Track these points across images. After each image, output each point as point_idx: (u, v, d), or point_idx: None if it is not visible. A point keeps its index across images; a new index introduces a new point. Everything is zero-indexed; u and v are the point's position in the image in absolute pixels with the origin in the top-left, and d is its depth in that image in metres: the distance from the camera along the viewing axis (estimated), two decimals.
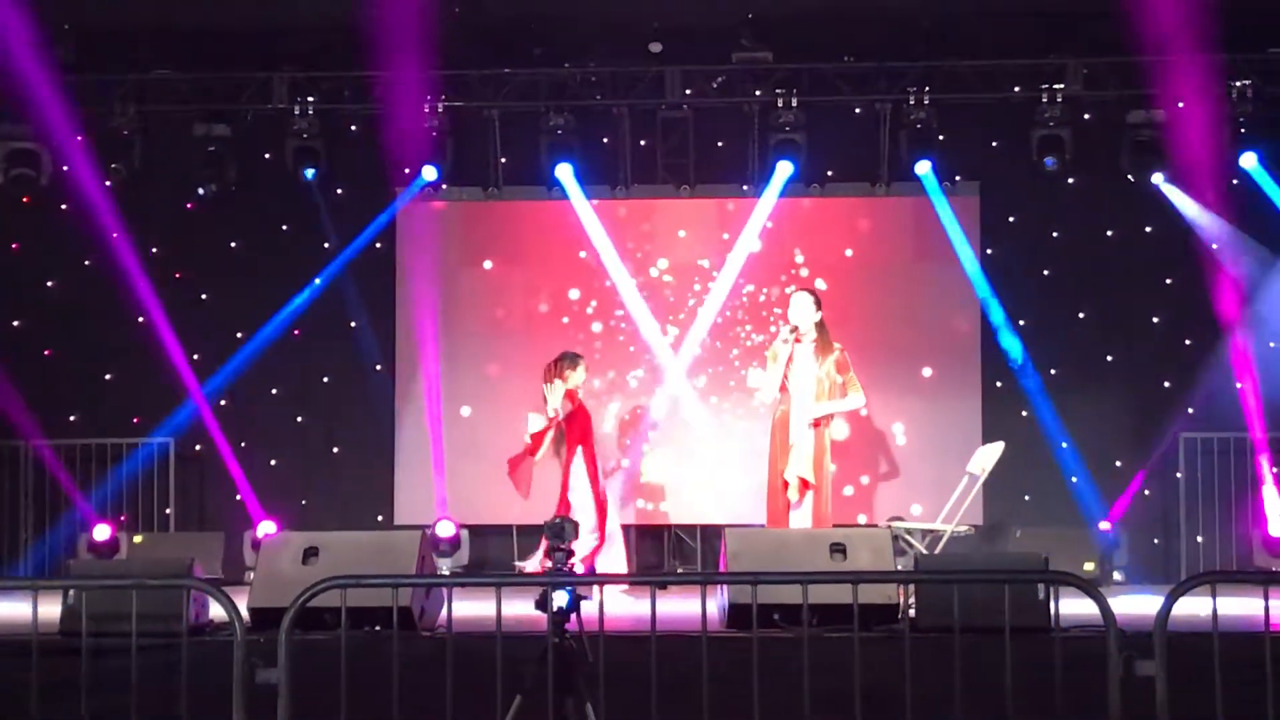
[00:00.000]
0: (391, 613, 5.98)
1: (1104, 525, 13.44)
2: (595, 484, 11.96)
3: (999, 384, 14.13)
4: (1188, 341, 14.17)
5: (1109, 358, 14.19)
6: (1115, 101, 13.66)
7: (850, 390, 11.48)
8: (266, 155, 14.34)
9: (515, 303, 14.46)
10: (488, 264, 14.48)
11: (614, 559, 11.95)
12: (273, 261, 14.47)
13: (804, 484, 11.30)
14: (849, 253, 14.35)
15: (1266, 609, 5.82)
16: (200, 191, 14.09)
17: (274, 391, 14.51)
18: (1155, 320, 14.23)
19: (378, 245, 14.55)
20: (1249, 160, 13.46)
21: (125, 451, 14.20)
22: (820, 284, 13.52)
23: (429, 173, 13.96)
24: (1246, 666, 5.77)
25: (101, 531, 13.57)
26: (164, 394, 14.26)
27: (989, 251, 14.23)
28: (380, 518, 14.26)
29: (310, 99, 13.82)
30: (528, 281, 14.48)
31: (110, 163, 13.80)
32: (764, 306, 14.19)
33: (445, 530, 13.62)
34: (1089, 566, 12.84)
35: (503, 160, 14.27)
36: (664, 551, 14.21)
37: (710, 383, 14.29)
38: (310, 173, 13.98)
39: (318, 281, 14.51)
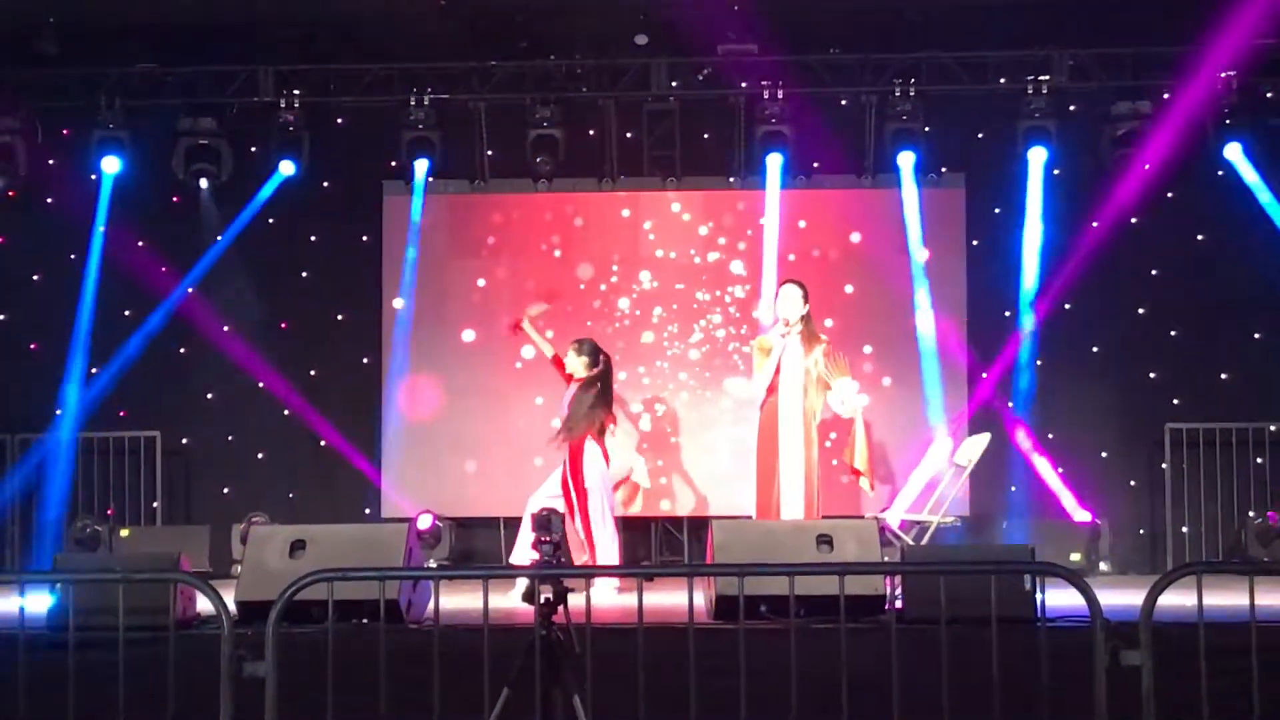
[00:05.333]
0: (379, 605, 5.99)
1: (1088, 516, 13.49)
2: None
3: (984, 375, 14.14)
4: (1173, 332, 14.20)
5: (1094, 349, 14.21)
6: (1100, 93, 13.68)
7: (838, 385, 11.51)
8: (253, 149, 14.32)
9: (502, 296, 14.44)
10: (475, 257, 14.47)
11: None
12: (259, 255, 14.46)
13: (856, 473, 11.62)
14: (834, 245, 14.35)
15: (1252, 599, 5.84)
16: (204, 183, 14.05)
17: (260, 385, 14.48)
18: (1140, 311, 14.25)
19: (364, 238, 14.56)
20: (1233, 151, 13.48)
21: (111, 445, 14.20)
22: (805, 276, 13.51)
23: (416, 165, 13.95)
24: (1232, 656, 5.80)
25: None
26: (150, 387, 14.26)
27: (974, 243, 14.26)
28: (367, 511, 14.25)
29: (296, 92, 13.80)
30: (515, 274, 14.45)
31: (96, 157, 13.79)
32: (749, 298, 14.19)
33: (424, 523, 13.61)
34: (1075, 557, 12.87)
35: (489, 152, 14.26)
36: (651, 544, 14.20)
37: (697, 374, 14.30)
38: (292, 166, 13.95)
39: (304, 274, 14.54)
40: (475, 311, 14.39)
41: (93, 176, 14.03)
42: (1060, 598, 6.57)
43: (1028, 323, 13.97)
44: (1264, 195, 13.57)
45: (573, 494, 11.36)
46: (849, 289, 14.19)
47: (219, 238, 14.48)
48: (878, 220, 14.36)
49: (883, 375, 14.08)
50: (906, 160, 13.75)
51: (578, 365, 11.63)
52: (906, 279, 14.16)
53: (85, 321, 14.16)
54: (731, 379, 13.73)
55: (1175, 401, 14.08)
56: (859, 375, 12.17)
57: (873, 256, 14.31)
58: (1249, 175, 13.55)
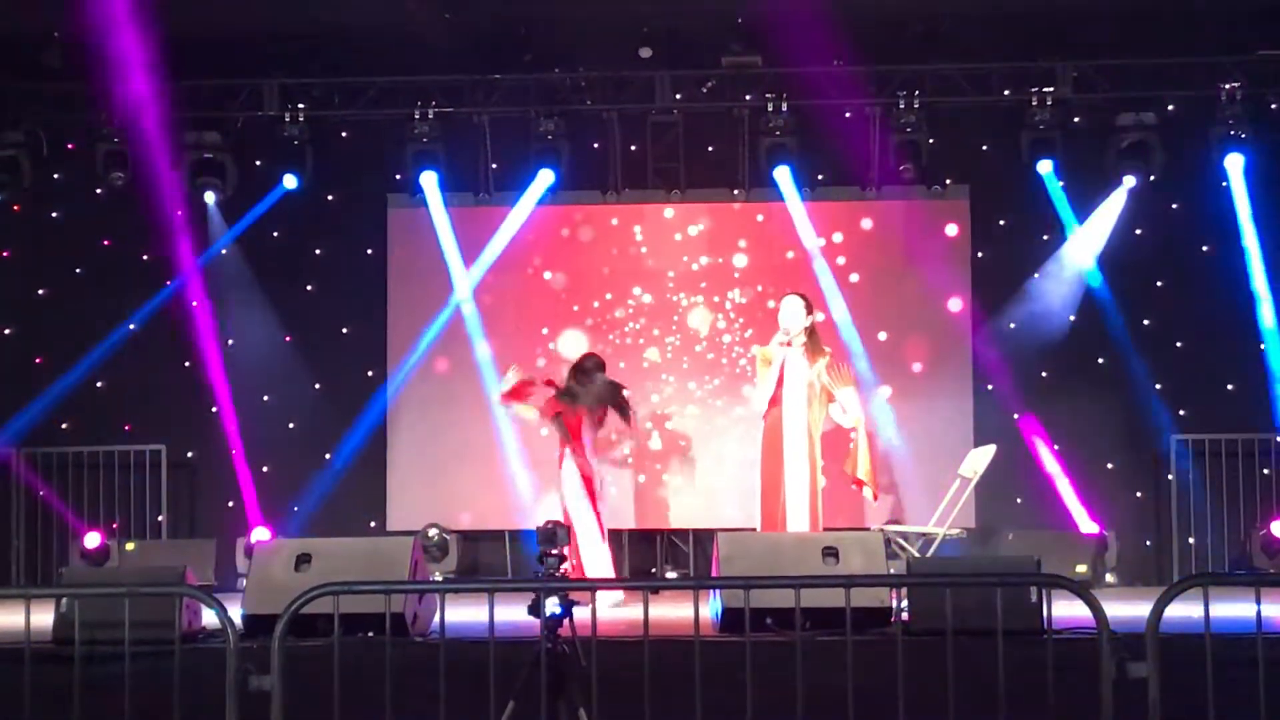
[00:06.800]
0: (384, 619, 5.99)
1: (1094, 527, 13.47)
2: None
3: (990, 387, 14.13)
4: (1178, 344, 14.18)
5: (1100, 360, 14.18)
6: (1105, 104, 13.68)
7: (842, 395, 11.53)
8: (257, 162, 14.32)
9: (507, 308, 14.43)
10: (480, 268, 14.45)
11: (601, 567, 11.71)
12: (263, 268, 14.46)
13: (859, 483, 11.71)
14: (840, 257, 14.33)
15: (1258, 610, 5.83)
16: (209, 197, 14.05)
17: (265, 398, 14.48)
18: (1146, 323, 14.23)
19: (369, 251, 14.56)
20: (1233, 162, 13.46)
21: (117, 459, 14.19)
22: (811, 287, 13.51)
23: (423, 178, 13.95)
24: (1239, 668, 5.79)
25: (92, 539, 13.60)
26: (156, 401, 14.26)
27: (979, 254, 14.25)
28: (373, 524, 14.24)
29: (300, 105, 13.81)
30: (520, 287, 14.44)
31: (102, 171, 13.80)
32: (755, 310, 14.18)
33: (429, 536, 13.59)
34: (1081, 569, 12.84)
35: (493, 165, 14.26)
36: (656, 556, 14.19)
37: (702, 386, 14.29)
38: (295, 180, 13.94)
39: (309, 287, 14.54)
40: (481, 321, 14.36)
41: (97, 190, 14.04)
42: (1066, 609, 6.56)
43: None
44: (1244, 210, 13.58)
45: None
46: (853, 300, 14.17)
47: (224, 251, 14.48)
48: (883, 231, 14.33)
49: (913, 362, 14.11)
50: (906, 172, 13.75)
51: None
52: (911, 289, 14.16)
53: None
54: (750, 387, 13.72)
55: (1181, 413, 14.06)
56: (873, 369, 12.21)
57: (878, 268, 14.29)
58: (1238, 188, 13.53)
